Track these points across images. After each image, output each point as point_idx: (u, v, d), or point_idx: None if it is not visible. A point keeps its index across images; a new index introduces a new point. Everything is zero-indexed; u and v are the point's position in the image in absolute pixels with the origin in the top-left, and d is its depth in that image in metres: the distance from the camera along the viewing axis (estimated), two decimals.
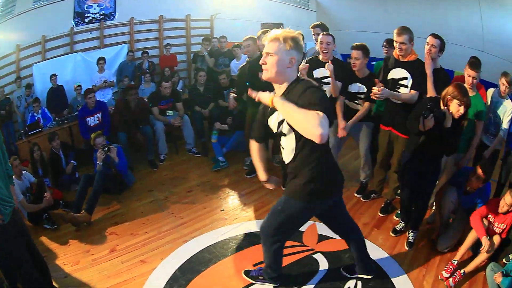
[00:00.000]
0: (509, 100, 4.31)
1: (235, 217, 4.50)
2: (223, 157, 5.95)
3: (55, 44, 7.64)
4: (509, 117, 4.26)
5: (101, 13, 8.15)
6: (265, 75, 2.46)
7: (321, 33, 4.62)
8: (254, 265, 3.53)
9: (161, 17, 9.01)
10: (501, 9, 7.63)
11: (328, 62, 4.47)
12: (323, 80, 4.62)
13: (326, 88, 4.59)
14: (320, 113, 2.11)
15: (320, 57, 4.64)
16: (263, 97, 2.40)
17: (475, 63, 4.00)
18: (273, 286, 3.35)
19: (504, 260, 3.71)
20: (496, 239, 3.64)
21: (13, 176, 3.23)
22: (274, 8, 10.58)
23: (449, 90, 3.42)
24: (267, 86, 2.58)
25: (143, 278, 3.45)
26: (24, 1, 7.27)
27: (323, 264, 3.65)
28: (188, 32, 9.53)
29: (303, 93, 2.31)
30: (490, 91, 4.49)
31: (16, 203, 2.94)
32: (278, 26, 6.48)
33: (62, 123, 6.56)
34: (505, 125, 4.30)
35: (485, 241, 3.51)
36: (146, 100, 6.68)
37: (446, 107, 3.44)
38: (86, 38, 8.09)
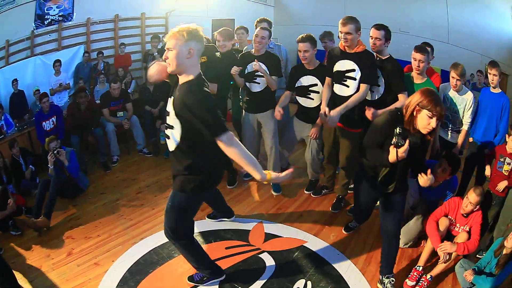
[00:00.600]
0: (469, 92, 4.18)
1: None
2: None
3: (17, 48, 7.68)
4: (471, 109, 4.14)
5: (60, 14, 8.17)
6: (169, 69, 2.73)
7: (259, 27, 4.66)
8: None
9: (117, 16, 9.01)
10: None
11: (260, 55, 4.60)
12: (256, 74, 4.65)
13: (260, 80, 4.67)
14: (224, 137, 2.63)
15: (252, 50, 4.69)
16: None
17: (421, 46, 3.91)
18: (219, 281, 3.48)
19: (478, 255, 3.74)
20: (463, 236, 3.50)
21: None
22: (231, 3, 10.63)
23: (416, 98, 2.77)
24: None
25: (97, 281, 3.62)
26: None
27: (270, 264, 3.73)
28: (143, 30, 9.57)
29: (197, 105, 2.63)
30: (441, 87, 4.35)
31: None
32: (230, 21, 6.91)
33: (22, 129, 6.62)
34: (467, 118, 4.17)
35: (448, 248, 3.39)
36: (97, 101, 6.86)
37: (411, 120, 2.81)
38: (46, 40, 8.12)
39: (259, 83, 4.71)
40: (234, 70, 4.63)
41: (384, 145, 2.97)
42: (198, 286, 3.50)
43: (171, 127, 2.85)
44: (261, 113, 4.87)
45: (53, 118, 6.27)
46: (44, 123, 6.19)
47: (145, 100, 6.98)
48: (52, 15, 8.09)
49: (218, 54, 4.87)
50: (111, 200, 5.30)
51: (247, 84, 4.79)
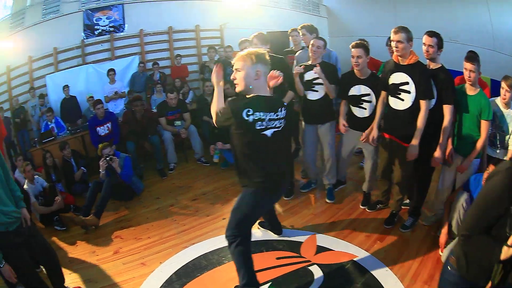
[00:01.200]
0: None
1: None
2: None
3: (67, 55, 8.05)
4: None
5: (110, 25, 8.48)
6: (237, 89, 2.90)
7: (314, 38, 4.66)
8: None
9: (170, 28, 9.21)
10: (510, 5, 7.32)
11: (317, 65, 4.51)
12: (314, 82, 4.59)
13: (319, 88, 4.60)
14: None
15: (309, 62, 4.64)
16: None
17: (470, 56, 3.66)
18: None
19: None
20: (509, 251, 3.06)
21: (26, 180, 3.44)
22: (284, 15, 10.56)
23: None
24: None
25: (141, 279, 3.57)
26: (34, 14, 7.74)
27: (319, 276, 3.52)
28: (198, 42, 9.67)
29: None
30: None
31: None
32: (283, 33, 6.69)
33: (75, 132, 6.87)
34: None
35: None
36: (153, 110, 6.88)
37: None
38: (98, 50, 8.43)
39: (317, 91, 4.63)
40: (297, 69, 4.54)
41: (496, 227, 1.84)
42: None
43: None
44: (321, 125, 4.82)
45: (108, 124, 6.39)
46: (98, 128, 6.33)
47: (203, 110, 6.90)
48: (102, 26, 8.43)
49: None
50: (165, 205, 5.23)
51: (305, 92, 4.73)
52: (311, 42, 4.54)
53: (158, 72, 8.47)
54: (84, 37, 8.22)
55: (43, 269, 3.43)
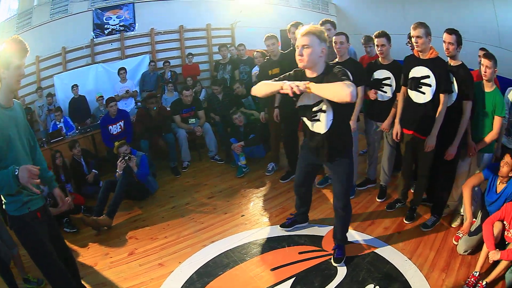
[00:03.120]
0: None
1: (255, 222, 4.45)
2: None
3: (76, 55, 8.05)
4: None
5: (121, 24, 8.46)
6: (301, 64, 2.93)
7: (334, 34, 4.57)
8: (272, 269, 3.54)
9: (182, 27, 9.22)
10: None
11: (343, 62, 4.43)
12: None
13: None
14: (347, 81, 2.62)
15: (336, 59, 4.57)
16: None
17: (488, 53, 3.85)
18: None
19: None
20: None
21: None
22: (294, 14, 10.53)
23: None
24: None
25: (160, 281, 3.48)
26: (41, 14, 7.72)
27: (341, 269, 3.60)
28: (210, 41, 9.66)
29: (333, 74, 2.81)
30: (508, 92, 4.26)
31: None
32: None
33: (85, 132, 6.75)
34: None
35: (492, 256, 3.25)
36: (168, 108, 6.80)
37: None
38: (107, 49, 8.41)
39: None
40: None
41: None
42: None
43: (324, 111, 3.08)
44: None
45: (120, 122, 6.30)
46: (110, 127, 6.24)
47: (213, 108, 7.01)
48: (112, 25, 8.42)
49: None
50: (181, 204, 5.14)
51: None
52: (333, 39, 4.47)
53: (169, 71, 8.43)
54: (94, 36, 8.22)
55: None
